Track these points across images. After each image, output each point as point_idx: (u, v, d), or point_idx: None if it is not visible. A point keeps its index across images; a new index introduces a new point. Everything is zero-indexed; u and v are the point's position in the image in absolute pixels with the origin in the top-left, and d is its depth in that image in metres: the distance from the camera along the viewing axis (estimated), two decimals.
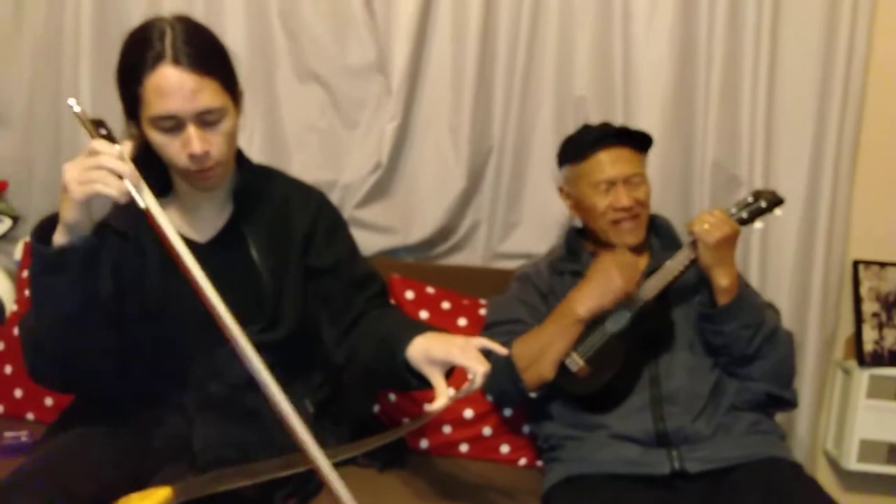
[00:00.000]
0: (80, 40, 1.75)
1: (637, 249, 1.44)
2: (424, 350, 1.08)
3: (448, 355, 1.06)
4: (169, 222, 0.97)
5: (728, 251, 1.27)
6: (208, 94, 1.06)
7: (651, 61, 1.68)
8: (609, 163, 1.39)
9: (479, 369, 1.04)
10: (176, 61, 1.04)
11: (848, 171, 1.72)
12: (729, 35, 1.67)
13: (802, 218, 1.72)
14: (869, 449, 1.72)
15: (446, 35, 1.71)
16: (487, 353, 1.27)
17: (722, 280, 1.27)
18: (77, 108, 0.97)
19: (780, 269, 1.74)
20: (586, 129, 1.46)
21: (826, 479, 1.83)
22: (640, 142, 1.43)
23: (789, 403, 1.37)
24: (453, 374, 1.10)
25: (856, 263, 1.75)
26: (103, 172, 0.94)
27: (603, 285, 1.29)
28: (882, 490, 1.81)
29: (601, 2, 1.68)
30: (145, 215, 0.98)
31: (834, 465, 1.82)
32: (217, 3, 1.73)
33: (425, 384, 1.09)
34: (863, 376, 1.70)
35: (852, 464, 1.72)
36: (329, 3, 1.73)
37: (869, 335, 1.72)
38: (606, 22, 1.68)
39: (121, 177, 0.94)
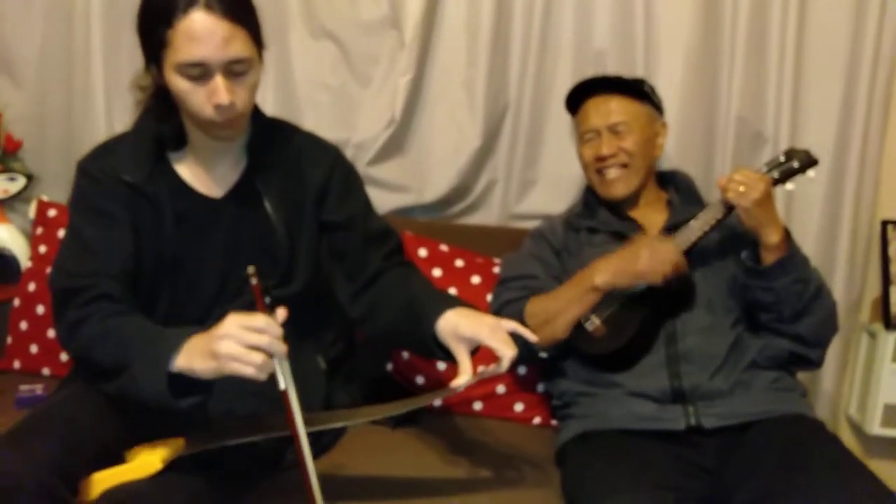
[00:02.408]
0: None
1: (655, 205, 1.40)
2: (454, 325, 1.06)
3: (477, 334, 1.04)
4: (300, 409, 0.96)
5: (769, 208, 1.22)
6: (239, 44, 1.04)
7: (674, 11, 1.62)
8: (594, 112, 1.38)
9: (507, 353, 1.02)
10: (209, 7, 1.02)
11: (878, 129, 1.66)
12: None
13: (830, 176, 1.67)
14: (893, 414, 1.68)
15: None
16: (496, 314, 1.27)
17: (772, 237, 1.22)
18: (254, 281, 0.94)
19: (806, 228, 1.69)
20: (580, 82, 1.43)
21: (848, 443, 1.76)
22: (635, 90, 1.38)
23: (813, 363, 1.33)
24: (478, 352, 1.08)
25: (884, 223, 1.70)
26: (258, 355, 0.92)
27: (626, 264, 1.25)
28: None
29: None
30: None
31: (857, 429, 1.79)
32: None
33: (449, 357, 1.08)
34: (889, 340, 1.66)
35: (875, 428, 1.69)
36: None
37: None
38: None
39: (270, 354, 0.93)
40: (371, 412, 1.20)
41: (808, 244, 1.68)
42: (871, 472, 1.08)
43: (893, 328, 1.66)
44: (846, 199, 1.66)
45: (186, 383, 0.98)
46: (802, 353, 1.29)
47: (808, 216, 1.69)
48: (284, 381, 0.95)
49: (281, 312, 0.97)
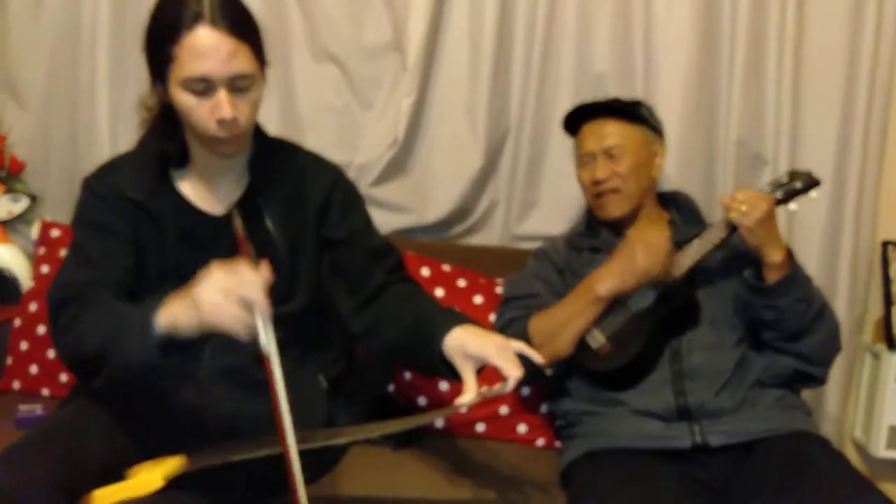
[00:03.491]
0: (97, 25, 1.75)
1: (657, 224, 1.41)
2: (461, 343, 1.06)
3: (484, 353, 1.04)
4: (282, 374, 0.95)
5: (772, 227, 1.24)
6: (243, 59, 1.05)
7: (673, 35, 1.65)
8: (590, 136, 1.41)
9: (513, 373, 1.02)
10: (214, 23, 1.03)
11: (877, 151, 1.69)
12: (753, 8, 1.64)
13: (830, 198, 1.69)
14: None
15: (464, 12, 1.70)
16: (500, 332, 1.26)
17: (775, 256, 1.23)
18: (238, 226, 0.96)
19: (808, 250, 1.70)
20: (576, 107, 1.45)
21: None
22: (631, 113, 1.40)
23: (817, 380, 1.33)
24: (483, 371, 1.08)
25: (885, 244, 1.71)
26: (239, 306, 0.92)
27: (625, 265, 1.26)
28: None
29: None
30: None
31: (862, 451, 1.78)
32: None
33: (454, 376, 1.08)
34: (892, 360, 1.66)
35: (881, 451, 1.67)
36: None
37: None
38: (626, 1, 1.66)
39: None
40: (373, 429, 1.19)
41: (810, 265, 1.68)
42: (878, 488, 1.07)
43: None
44: (846, 221, 1.67)
45: (175, 344, 0.97)
46: (806, 371, 1.29)
47: (809, 238, 1.70)
48: (266, 341, 0.93)
49: (264, 267, 0.96)
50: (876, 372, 1.71)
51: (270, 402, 1.10)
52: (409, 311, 1.16)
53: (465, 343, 1.05)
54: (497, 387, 1.04)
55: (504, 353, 1.04)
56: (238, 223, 0.94)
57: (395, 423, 1.12)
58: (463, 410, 1.05)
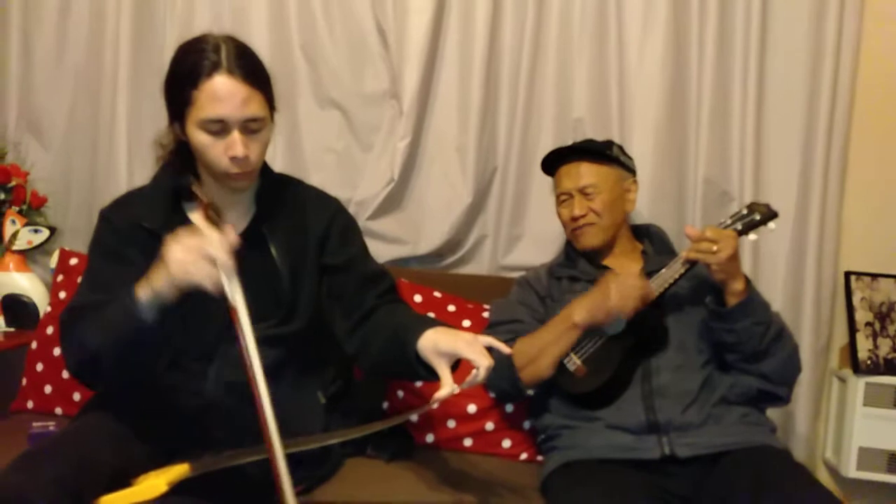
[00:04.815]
0: (118, 70, 1.90)
1: (631, 255, 1.53)
2: (433, 342, 1.14)
3: (455, 348, 1.12)
4: (249, 325, 1.05)
5: (737, 261, 1.35)
6: (255, 104, 1.17)
7: (644, 85, 1.81)
8: (566, 177, 1.53)
9: (482, 363, 1.10)
10: (231, 72, 1.15)
11: (837, 186, 1.81)
12: (718, 60, 1.79)
13: (793, 231, 1.81)
14: (868, 457, 1.75)
15: (454, 62, 1.85)
16: (490, 351, 1.36)
17: (737, 285, 1.33)
18: (198, 193, 1.07)
19: (773, 281, 1.82)
20: (553, 151, 1.58)
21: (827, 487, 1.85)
22: (603, 154, 1.53)
23: (781, 399, 1.42)
24: (458, 368, 1.16)
25: (847, 274, 1.82)
26: (203, 262, 1.03)
27: (599, 301, 1.36)
28: (883, 498, 1.83)
29: (596, 30, 1.82)
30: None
31: (834, 473, 1.85)
32: (244, 35, 1.84)
33: (432, 375, 1.16)
34: (858, 384, 1.75)
35: (852, 472, 1.75)
36: (346, 34, 1.89)
37: (863, 344, 1.77)
38: (602, 49, 1.82)
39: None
40: (358, 430, 1.22)
41: (776, 296, 1.80)
42: (836, 497, 1.17)
43: (862, 373, 1.75)
44: (809, 253, 1.79)
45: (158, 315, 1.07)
46: (770, 391, 1.39)
47: (774, 269, 1.82)
48: (232, 297, 1.02)
49: (229, 228, 1.07)
50: (843, 396, 1.80)
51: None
52: (390, 325, 1.25)
53: (437, 342, 1.14)
54: (469, 378, 1.11)
55: (473, 347, 1.12)
56: (208, 206, 1.08)
57: (378, 424, 1.19)
58: (434, 406, 1.12)
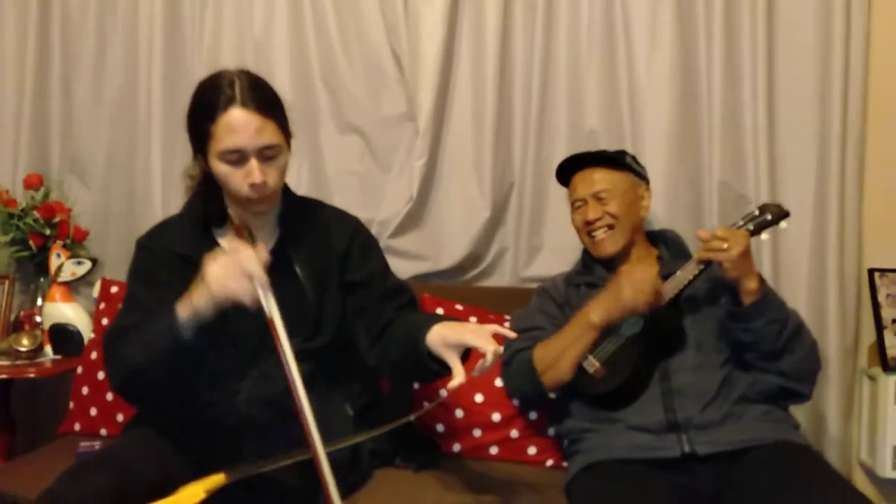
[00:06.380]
0: (151, 110, 2.02)
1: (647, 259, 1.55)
2: (441, 335, 1.18)
3: (461, 337, 1.16)
4: (286, 335, 1.13)
5: (749, 259, 1.37)
6: (269, 133, 1.25)
7: (654, 93, 1.84)
8: (580, 183, 1.57)
9: (489, 348, 1.13)
10: (244, 104, 1.23)
11: (855, 184, 1.81)
12: (726, 63, 1.81)
13: (813, 231, 1.81)
14: None
15: (467, 82, 1.92)
16: (508, 363, 1.39)
17: (751, 284, 1.35)
18: (232, 215, 1.17)
19: (796, 282, 1.81)
20: (567, 158, 1.62)
21: (863, 488, 1.81)
22: (616, 161, 1.56)
23: (803, 396, 1.42)
24: (470, 358, 1.20)
25: (871, 272, 1.81)
26: (241, 277, 1.11)
27: (614, 298, 1.39)
28: None
29: (605, 42, 1.87)
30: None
31: (870, 474, 1.82)
32: (267, 67, 1.98)
33: (445, 369, 1.19)
34: (889, 382, 1.73)
35: (888, 471, 1.72)
36: (363, 62, 1.97)
37: (892, 341, 1.76)
38: (611, 60, 1.86)
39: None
40: (383, 429, 1.25)
41: (800, 296, 1.80)
42: (860, 491, 1.16)
43: (891, 371, 1.73)
44: (830, 252, 1.78)
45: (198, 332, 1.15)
46: (791, 388, 1.39)
47: (796, 270, 1.81)
48: (269, 309, 1.10)
49: (261, 246, 1.15)
50: (875, 395, 1.78)
51: (300, 429, 1.23)
52: (402, 329, 1.30)
53: (444, 334, 1.18)
54: (479, 364, 1.13)
55: (479, 334, 1.15)
56: (242, 227, 1.15)
57: (401, 421, 1.22)
58: (443, 394, 1.15)
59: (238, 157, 1.24)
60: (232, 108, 1.23)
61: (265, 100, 1.27)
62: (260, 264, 1.13)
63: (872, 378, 1.80)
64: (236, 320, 1.33)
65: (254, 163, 1.24)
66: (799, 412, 1.48)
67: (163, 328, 1.17)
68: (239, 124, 1.22)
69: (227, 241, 1.35)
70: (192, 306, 1.15)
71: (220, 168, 1.26)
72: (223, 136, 1.23)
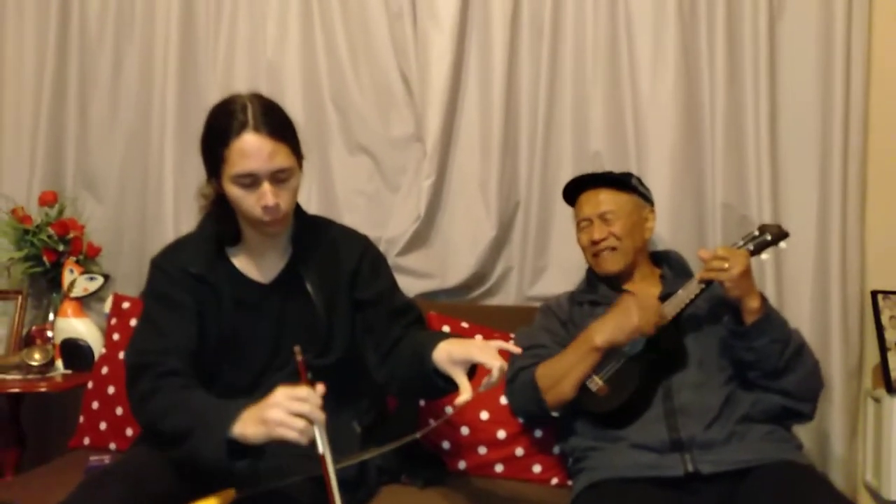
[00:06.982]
0: (164, 129, 2.06)
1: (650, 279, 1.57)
2: (447, 352, 1.20)
3: (467, 354, 1.18)
4: (335, 471, 1.09)
5: (750, 278, 1.39)
6: (281, 156, 1.27)
7: (658, 115, 1.87)
8: (586, 203, 1.59)
9: (495, 364, 1.15)
10: (257, 129, 1.25)
11: (857, 205, 1.83)
12: (729, 85, 1.84)
13: (816, 253, 1.83)
14: None
15: (474, 103, 1.96)
16: (511, 380, 1.40)
17: (752, 303, 1.37)
18: (299, 357, 1.12)
19: (799, 303, 1.83)
20: (574, 179, 1.65)
21: None
22: (621, 183, 1.59)
23: (806, 416, 1.43)
24: (476, 374, 1.22)
25: (874, 293, 1.82)
26: (300, 421, 1.07)
27: (621, 322, 1.41)
28: None
29: (609, 66, 1.90)
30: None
31: (876, 496, 1.81)
32: (278, 89, 2.02)
33: (452, 386, 1.21)
34: (894, 404, 1.73)
35: (893, 494, 1.71)
36: (373, 85, 2.01)
37: (895, 363, 1.76)
38: (615, 83, 1.90)
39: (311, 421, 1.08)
40: (389, 447, 1.27)
41: (803, 317, 1.81)
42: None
43: (895, 393, 1.74)
44: (833, 274, 1.80)
45: (241, 448, 1.12)
46: (793, 407, 1.40)
47: (799, 292, 1.83)
48: (322, 446, 1.08)
49: (320, 386, 1.12)
50: (879, 417, 1.78)
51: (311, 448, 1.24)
52: (409, 347, 1.32)
53: (450, 351, 1.19)
54: (485, 380, 1.15)
55: (485, 349, 1.17)
56: (299, 358, 1.11)
57: (408, 438, 1.24)
58: (449, 411, 1.15)
59: (251, 181, 1.26)
60: (245, 133, 1.25)
61: (277, 124, 1.29)
62: (318, 406, 1.09)
63: (877, 400, 1.80)
64: (247, 337, 1.37)
65: (266, 186, 1.26)
66: (803, 433, 1.48)
67: (208, 444, 1.12)
68: (252, 149, 1.24)
69: (240, 262, 1.37)
70: (244, 434, 1.11)
71: (234, 191, 1.28)
72: (236, 160, 1.25)
